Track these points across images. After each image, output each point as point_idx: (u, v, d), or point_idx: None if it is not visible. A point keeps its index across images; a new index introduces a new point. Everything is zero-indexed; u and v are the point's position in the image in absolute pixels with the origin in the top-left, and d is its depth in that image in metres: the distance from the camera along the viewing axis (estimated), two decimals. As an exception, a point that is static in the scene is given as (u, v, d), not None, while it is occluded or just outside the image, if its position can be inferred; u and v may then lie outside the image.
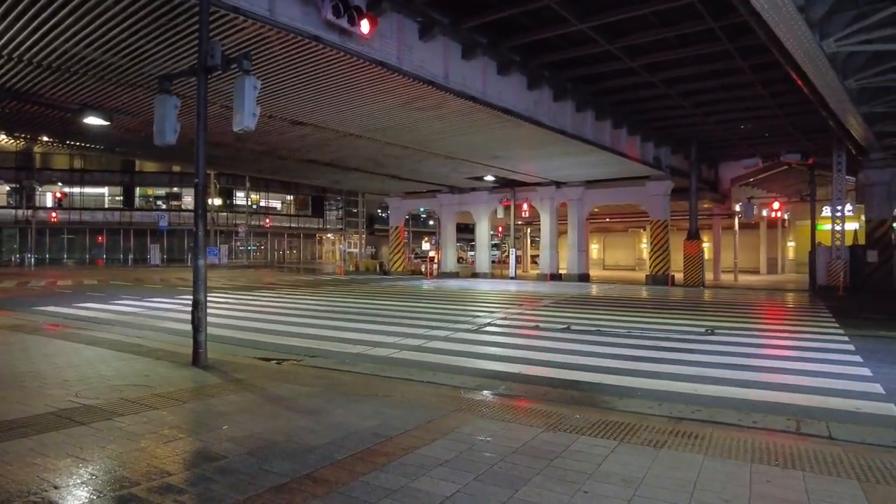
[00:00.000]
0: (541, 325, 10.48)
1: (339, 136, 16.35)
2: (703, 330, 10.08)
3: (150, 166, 44.03)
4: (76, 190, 41.96)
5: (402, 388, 5.74)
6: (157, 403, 4.85)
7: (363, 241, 41.72)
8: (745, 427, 4.65)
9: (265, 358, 7.49)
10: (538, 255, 46.83)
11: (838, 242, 20.72)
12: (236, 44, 9.27)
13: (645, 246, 42.86)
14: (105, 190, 43.48)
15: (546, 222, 26.11)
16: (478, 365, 7.12)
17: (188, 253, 42.65)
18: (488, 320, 11.11)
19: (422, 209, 41.04)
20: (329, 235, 57.28)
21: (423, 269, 34.93)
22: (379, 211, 60.52)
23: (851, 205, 30.56)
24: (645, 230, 41.83)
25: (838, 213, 20.82)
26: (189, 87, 10.35)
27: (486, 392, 5.73)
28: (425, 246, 56.46)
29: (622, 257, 42.89)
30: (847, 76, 12.04)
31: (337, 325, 10.50)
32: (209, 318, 11.62)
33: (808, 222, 33.08)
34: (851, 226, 29.81)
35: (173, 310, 12.99)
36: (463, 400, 5.21)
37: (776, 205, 24.74)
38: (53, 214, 38.49)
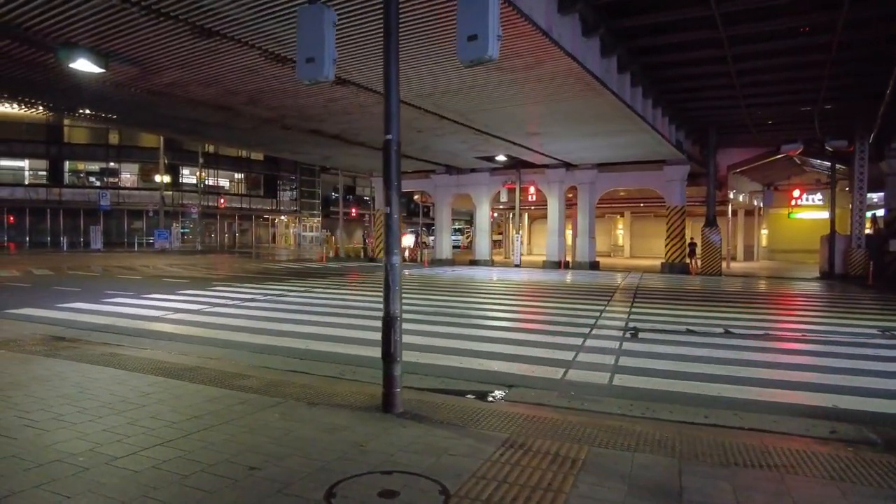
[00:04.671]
0: (690, 328, 8.85)
1: (376, 102, 13.87)
2: (873, 331, 8.85)
3: (80, 137, 38.50)
4: (-11, 162, 35.98)
5: (749, 442, 3.87)
6: (514, 522, 2.72)
7: (342, 225, 38.70)
8: None
9: (449, 391, 5.36)
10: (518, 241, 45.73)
11: (858, 231, 20.62)
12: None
13: (621, 232, 42.68)
14: (25, 163, 37.53)
15: (554, 206, 24.63)
16: (754, 396, 5.33)
17: (130, 236, 37.79)
18: (621, 323, 9.34)
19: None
20: (283, 218, 53.28)
21: (405, 256, 32.70)
22: (332, 193, 57.01)
23: (822, 195, 31.45)
24: (623, 216, 41.59)
25: (859, 202, 20.64)
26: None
27: (864, 444, 4.00)
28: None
29: (598, 243, 42.35)
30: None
31: (440, 332, 8.35)
32: (251, 322, 9.17)
33: (782, 210, 34.00)
34: (821, 214, 30.77)
35: (201, 311, 10.27)
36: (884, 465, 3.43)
37: (796, 192, 24.50)
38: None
